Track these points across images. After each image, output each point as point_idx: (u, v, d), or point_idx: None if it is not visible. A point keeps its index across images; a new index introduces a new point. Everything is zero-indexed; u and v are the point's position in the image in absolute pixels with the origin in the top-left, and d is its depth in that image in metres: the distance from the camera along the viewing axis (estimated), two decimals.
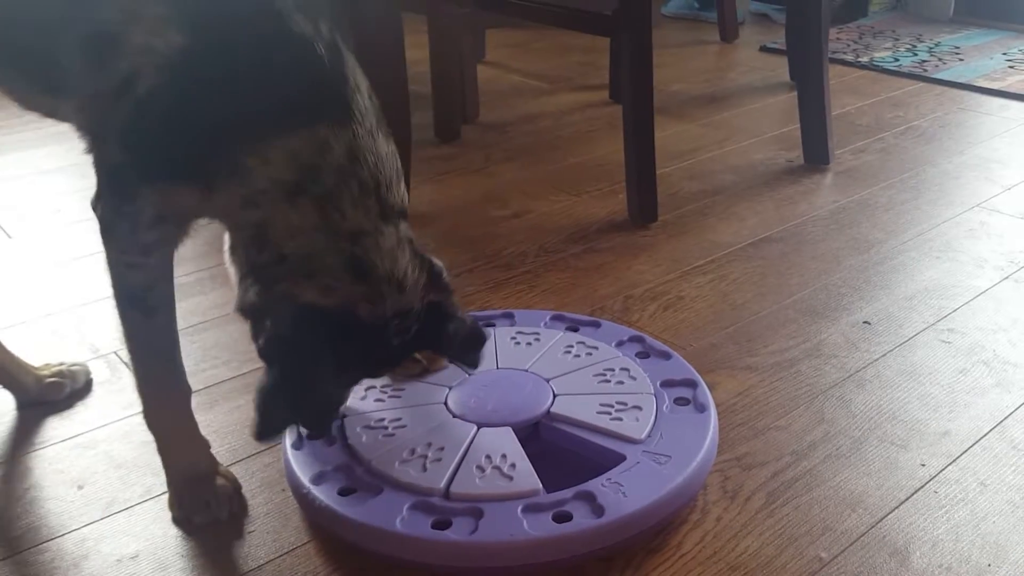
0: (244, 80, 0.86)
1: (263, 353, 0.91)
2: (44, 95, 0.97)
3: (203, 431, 1.09)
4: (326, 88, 0.88)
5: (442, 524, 0.93)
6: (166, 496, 1.04)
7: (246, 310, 0.93)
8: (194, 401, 1.20)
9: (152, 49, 0.84)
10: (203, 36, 0.84)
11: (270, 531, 1.00)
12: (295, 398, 0.90)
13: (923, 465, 1.08)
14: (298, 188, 0.86)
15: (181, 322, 1.37)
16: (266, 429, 0.90)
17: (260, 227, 0.88)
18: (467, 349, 1.04)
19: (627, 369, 1.17)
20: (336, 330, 0.89)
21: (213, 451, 1.08)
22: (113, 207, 0.92)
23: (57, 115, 0.99)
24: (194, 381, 1.23)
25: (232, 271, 0.97)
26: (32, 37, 0.91)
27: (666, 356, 1.20)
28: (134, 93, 0.85)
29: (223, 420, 1.17)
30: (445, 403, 1.10)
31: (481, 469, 0.99)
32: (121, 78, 0.85)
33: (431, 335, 0.97)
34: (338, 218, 0.87)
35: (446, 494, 0.97)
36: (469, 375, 1.15)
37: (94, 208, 0.94)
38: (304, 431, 1.05)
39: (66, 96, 0.92)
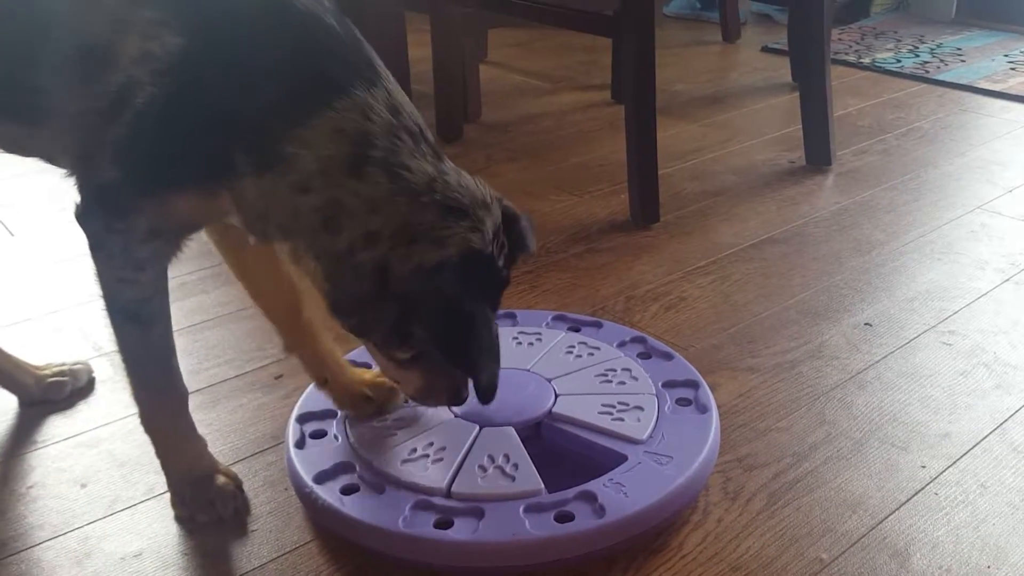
0: (255, 69, 0.83)
1: (423, 338, 0.88)
2: (10, 124, 0.93)
3: (205, 430, 1.10)
4: (348, 53, 0.86)
5: (444, 524, 0.94)
6: (169, 494, 1.05)
7: (351, 305, 0.88)
8: (196, 400, 1.20)
9: (149, 56, 0.80)
10: (203, 32, 0.81)
11: (273, 530, 1.00)
12: (485, 353, 0.88)
13: (923, 467, 1.08)
14: (358, 159, 0.84)
15: (184, 320, 1.39)
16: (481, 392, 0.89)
17: (327, 209, 0.84)
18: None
19: (629, 370, 1.17)
20: (471, 271, 0.86)
21: (216, 450, 1.08)
22: (104, 224, 0.89)
23: (19, 146, 0.95)
24: (196, 380, 1.25)
25: (298, 275, 0.93)
26: (3, 61, 0.87)
27: (668, 357, 1.20)
28: (132, 104, 0.81)
29: (225, 419, 1.17)
30: None
31: (483, 469, 1.00)
32: (116, 91, 0.81)
33: (511, 240, 0.93)
34: (407, 175, 0.85)
35: (448, 494, 0.97)
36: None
37: (80, 223, 0.90)
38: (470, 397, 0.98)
39: (40, 123, 0.88)
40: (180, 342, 1.32)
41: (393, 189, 0.84)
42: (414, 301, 0.86)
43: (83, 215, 0.90)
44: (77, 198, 0.90)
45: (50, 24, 0.83)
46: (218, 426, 1.16)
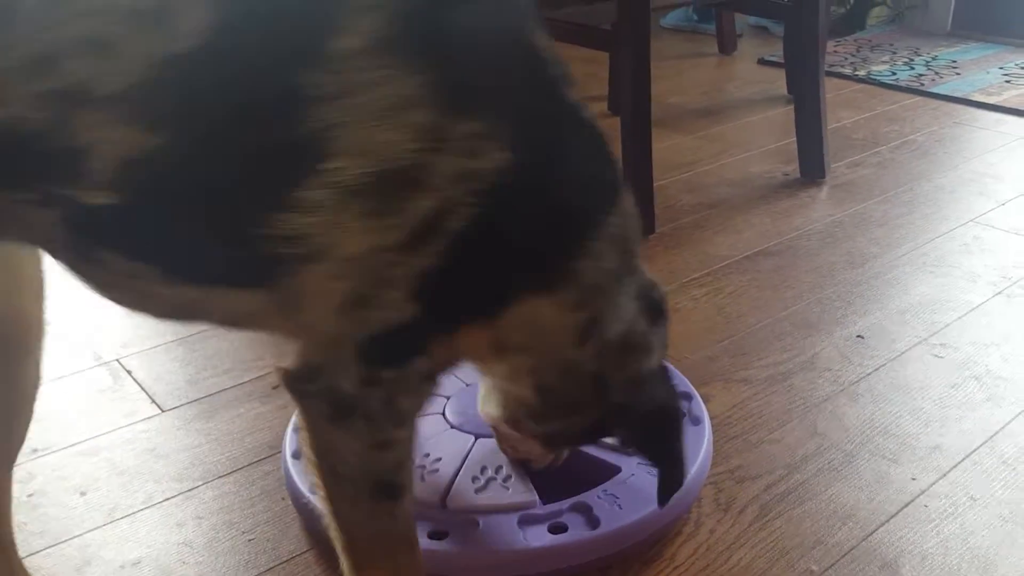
0: (567, 179, 0.73)
1: (625, 439, 0.89)
2: (231, 290, 0.71)
3: (203, 439, 1.11)
4: (609, 154, 0.79)
5: (439, 534, 0.95)
6: (167, 503, 1.06)
7: (555, 413, 0.84)
8: (195, 410, 1.22)
9: (472, 173, 0.67)
10: (528, 144, 0.70)
11: (270, 539, 1.01)
12: (682, 453, 0.88)
13: (914, 479, 1.09)
14: (622, 268, 0.79)
15: (182, 331, 1.40)
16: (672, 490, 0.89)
17: (588, 324, 0.78)
18: None
19: None
20: (669, 374, 0.87)
21: (214, 460, 1.09)
22: (365, 377, 0.72)
23: (237, 318, 0.76)
24: (195, 390, 1.26)
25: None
26: (223, 212, 0.66)
27: None
28: (445, 230, 0.67)
29: (223, 429, 1.18)
30: (443, 413, 1.12)
31: (478, 480, 1.01)
32: (424, 218, 0.66)
33: None
34: (635, 278, 0.81)
35: (443, 504, 0.98)
36: (467, 385, 1.16)
37: (314, 387, 0.73)
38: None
39: (278, 279, 0.68)
40: (178, 352, 1.34)
41: (628, 295, 0.80)
42: (621, 407, 0.83)
43: (329, 374, 0.73)
44: (310, 359, 0.73)
45: (319, 152, 0.64)
46: (216, 435, 1.17)
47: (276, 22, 0.63)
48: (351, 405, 0.73)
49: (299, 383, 0.74)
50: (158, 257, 0.68)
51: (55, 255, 0.72)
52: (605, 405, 0.83)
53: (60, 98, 0.61)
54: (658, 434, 0.86)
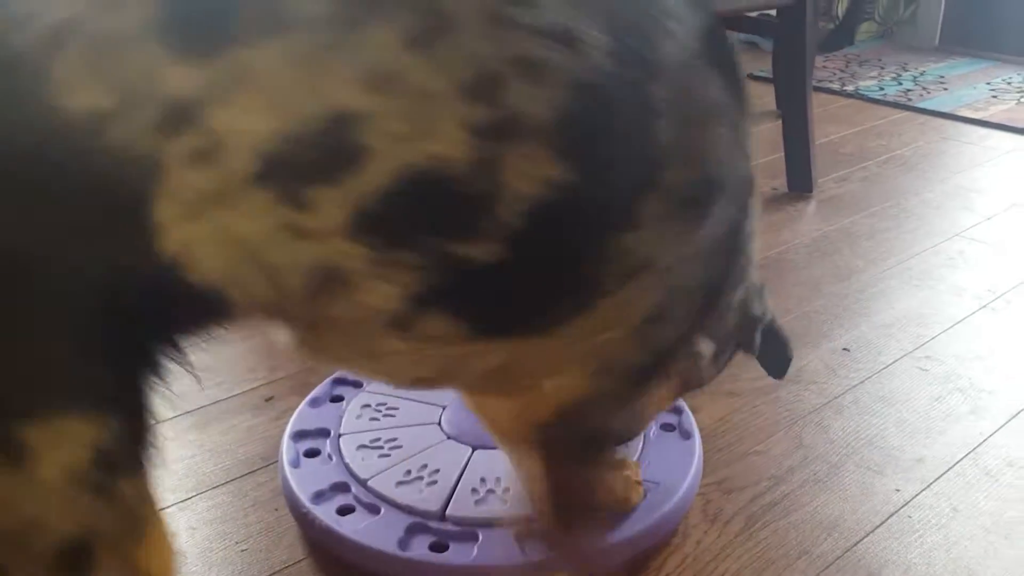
0: (744, 179, 0.74)
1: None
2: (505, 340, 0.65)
3: (196, 451, 1.11)
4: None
5: (439, 547, 0.95)
6: (160, 511, 1.07)
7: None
8: (188, 421, 1.23)
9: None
10: None
11: (263, 549, 1.02)
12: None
13: (898, 490, 1.11)
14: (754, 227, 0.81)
15: None
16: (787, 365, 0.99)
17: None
18: None
19: None
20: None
21: (207, 471, 1.10)
22: (616, 409, 0.72)
23: (500, 376, 0.68)
24: (187, 402, 1.27)
25: None
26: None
27: None
28: (741, 243, 0.71)
29: (216, 440, 1.19)
30: (439, 423, 1.12)
31: (477, 492, 1.02)
32: (724, 230, 0.67)
33: None
34: None
35: (443, 516, 0.99)
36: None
37: (557, 434, 0.71)
38: None
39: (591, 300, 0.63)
40: (171, 363, 1.35)
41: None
42: (759, 318, 0.92)
43: (582, 414, 0.70)
44: (567, 401, 0.70)
45: (660, 163, 0.62)
46: (209, 447, 1.18)
47: (639, 33, 0.60)
48: (600, 440, 0.71)
49: (552, 430, 0.70)
50: (475, 314, 0.60)
51: (318, 334, 0.63)
52: (748, 322, 0.90)
53: (490, 130, 0.53)
54: (772, 324, 0.95)
